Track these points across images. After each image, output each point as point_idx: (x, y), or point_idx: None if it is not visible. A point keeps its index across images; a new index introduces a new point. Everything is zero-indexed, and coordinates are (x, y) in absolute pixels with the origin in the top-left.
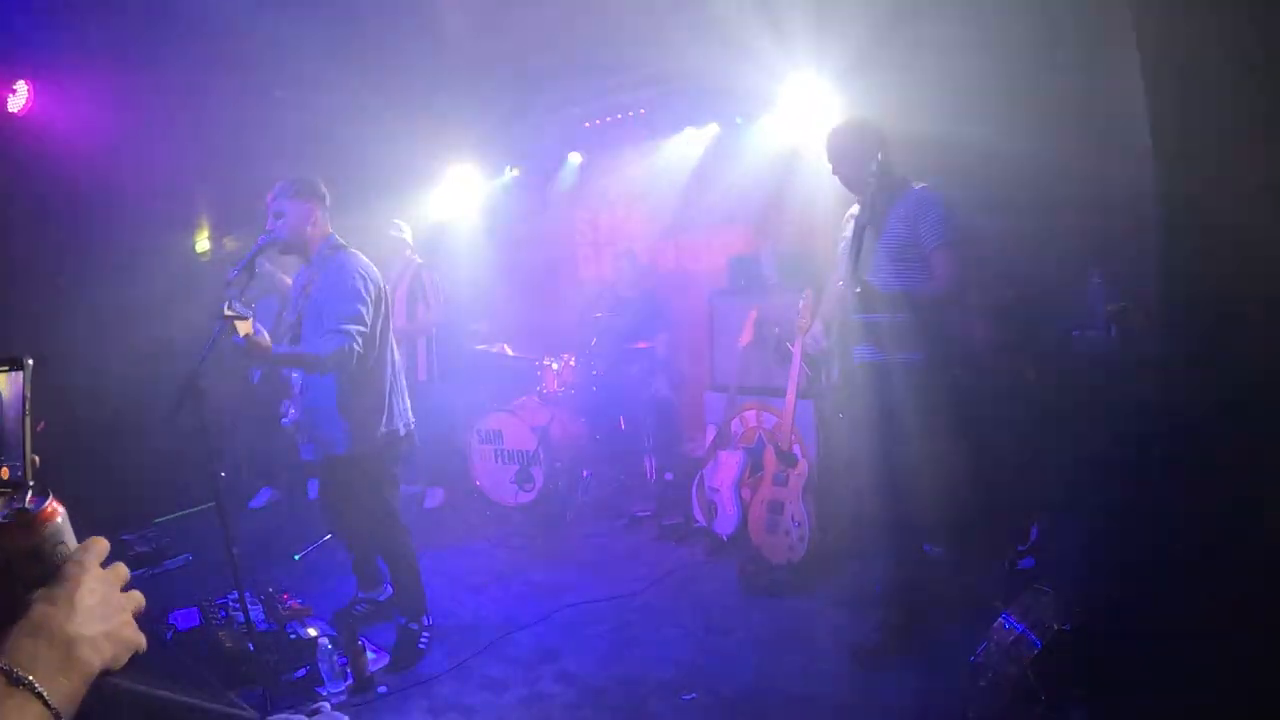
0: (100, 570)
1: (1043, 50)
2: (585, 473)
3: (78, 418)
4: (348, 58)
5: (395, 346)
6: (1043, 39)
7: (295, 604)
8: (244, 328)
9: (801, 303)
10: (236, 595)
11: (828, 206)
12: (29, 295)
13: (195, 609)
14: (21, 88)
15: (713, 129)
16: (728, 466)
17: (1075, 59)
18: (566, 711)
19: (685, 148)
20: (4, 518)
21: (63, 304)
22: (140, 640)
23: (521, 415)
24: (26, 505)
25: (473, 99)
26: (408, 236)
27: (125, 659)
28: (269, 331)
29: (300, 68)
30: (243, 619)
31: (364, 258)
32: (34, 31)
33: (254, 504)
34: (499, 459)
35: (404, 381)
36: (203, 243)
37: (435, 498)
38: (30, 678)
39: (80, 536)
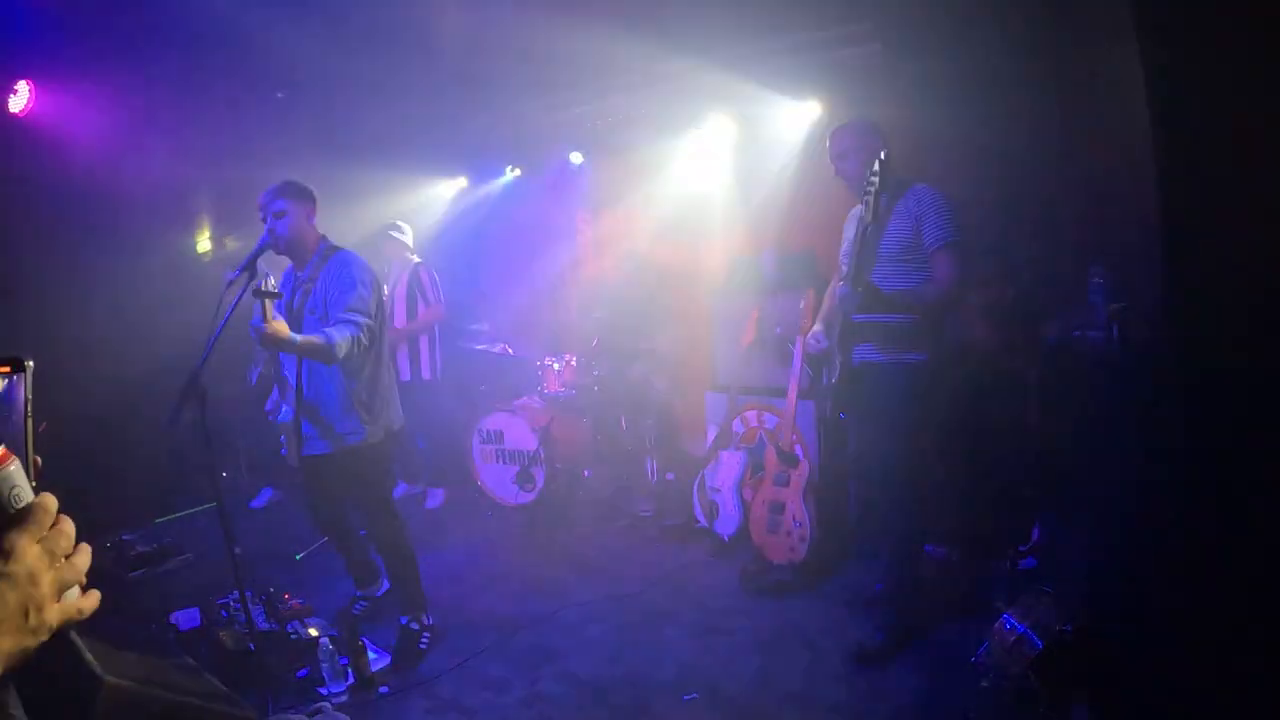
0: (35, 545)
1: (1043, 49)
2: (586, 473)
3: (78, 417)
4: (348, 58)
5: (389, 347)
6: (1043, 38)
7: (296, 604)
8: (270, 308)
9: (803, 303)
10: (238, 595)
11: (830, 206)
12: (29, 295)
13: (196, 609)
14: (23, 88)
15: (714, 129)
16: (729, 467)
17: (1076, 57)
18: (567, 712)
19: (687, 147)
20: None
21: (63, 304)
22: (75, 608)
23: (522, 415)
24: None
25: (474, 98)
26: (408, 238)
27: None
28: None
29: (301, 68)
30: (244, 619)
31: (362, 257)
32: (35, 32)
33: (255, 504)
34: (500, 459)
35: (396, 380)
36: (203, 243)
37: (436, 498)
38: None
39: (81, 536)
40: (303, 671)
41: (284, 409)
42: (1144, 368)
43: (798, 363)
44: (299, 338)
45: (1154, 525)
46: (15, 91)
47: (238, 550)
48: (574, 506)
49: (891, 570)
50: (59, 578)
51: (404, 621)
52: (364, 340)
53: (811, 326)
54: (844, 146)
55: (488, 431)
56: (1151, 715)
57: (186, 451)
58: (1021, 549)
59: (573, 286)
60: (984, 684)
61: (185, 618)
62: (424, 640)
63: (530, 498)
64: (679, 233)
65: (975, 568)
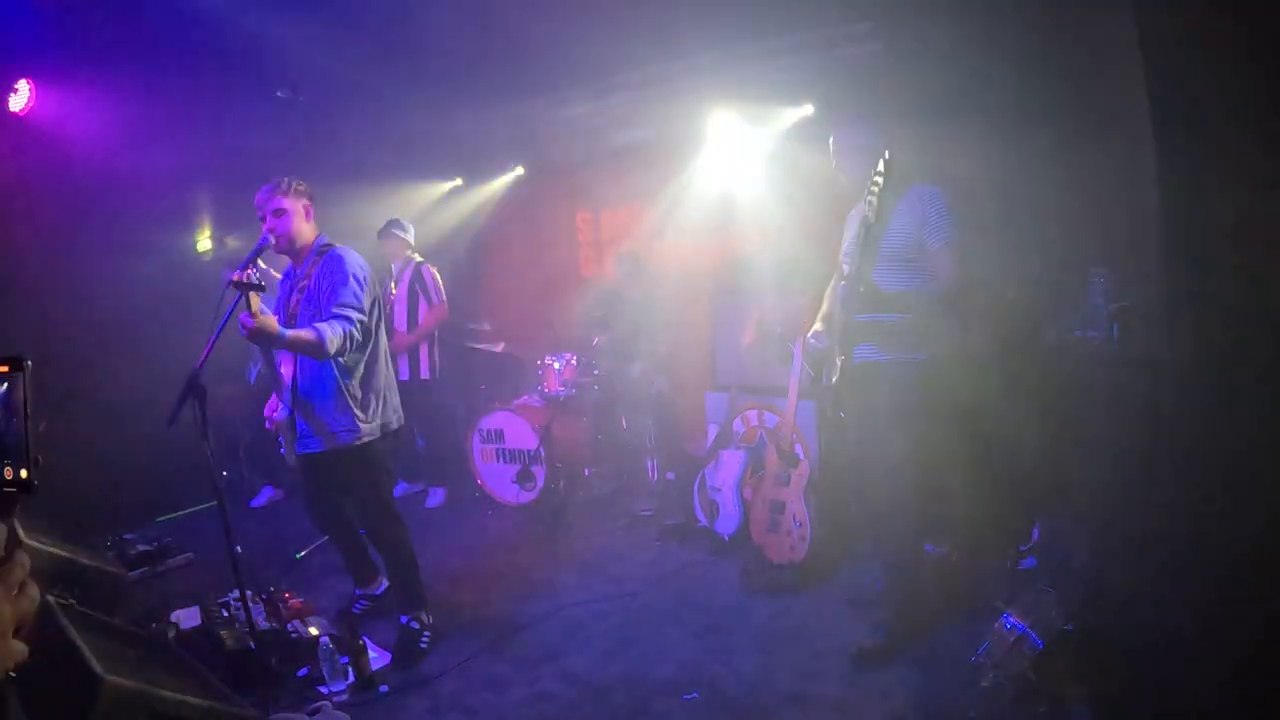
0: None
1: (1044, 48)
2: (587, 472)
3: (79, 417)
4: (348, 56)
5: (388, 344)
6: (1043, 37)
7: (297, 603)
8: (255, 302)
9: (803, 302)
10: (238, 594)
11: (830, 206)
12: (30, 294)
13: (197, 608)
14: (23, 87)
15: (714, 128)
16: (729, 466)
17: (1077, 56)
18: (568, 711)
19: (687, 146)
20: None
21: (64, 303)
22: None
23: (523, 415)
24: None
25: (474, 98)
26: (409, 236)
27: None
28: None
29: (301, 66)
30: (244, 618)
31: (358, 255)
32: (36, 31)
33: (255, 503)
34: (500, 458)
35: (394, 378)
36: (204, 242)
37: (437, 497)
38: None
39: (81, 535)
40: (303, 670)
41: (280, 407)
42: (1144, 368)
43: (798, 362)
44: (287, 332)
45: (1154, 525)
46: (16, 91)
47: (238, 549)
48: (574, 506)
49: (892, 570)
50: (16, 610)
51: (404, 621)
52: (357, 335)
53: (812, 326)
54: (846, 145)
55: (488, 431)
56: (1151, 715)
57: (187, 450)
58: (1022, 548)
59: (574, 286)
60: (984, 684)
61: (186, 617)
62: (424, 639)
63: (530, 497)
64: (679, 232)
65: (975, 568)
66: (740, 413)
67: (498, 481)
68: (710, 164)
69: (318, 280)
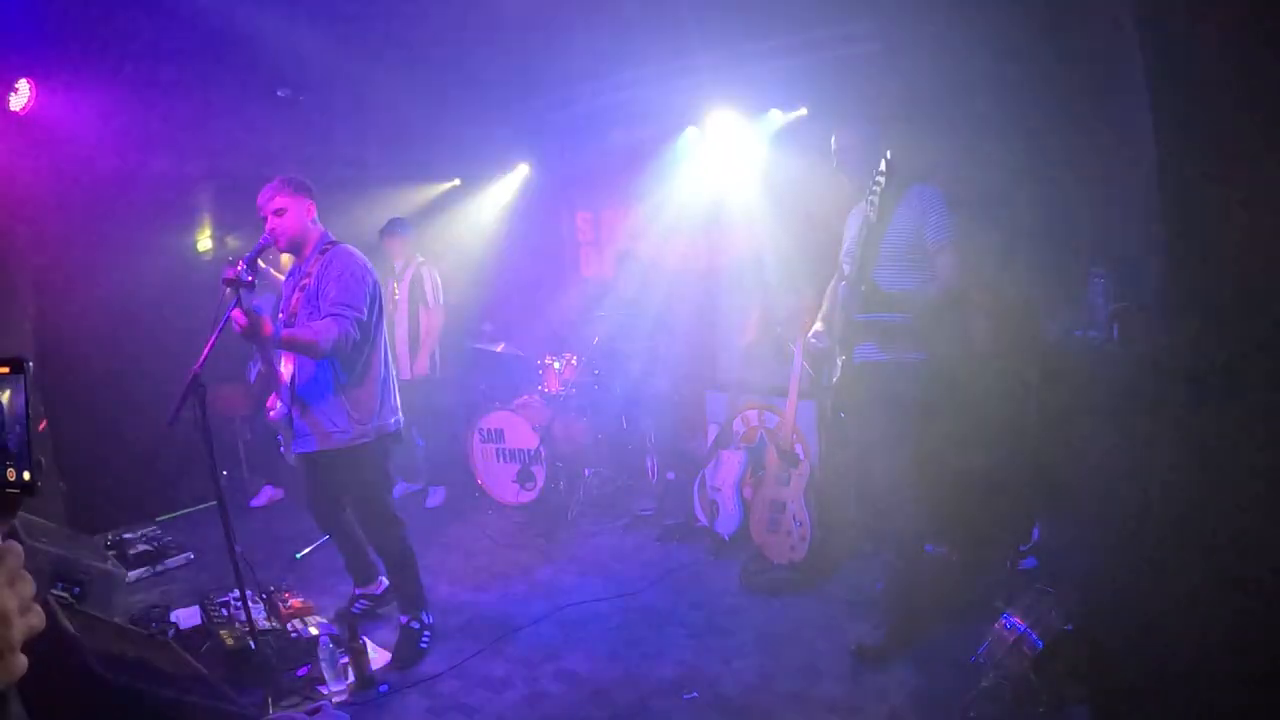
0: (7, 589)
1: (1044, 47)
2: (587, 472)
3: (79, 416)
4: (349, 56)
5: (389, 343)
6: (1043, 37)
7: (297, 602)
8: (247, 299)
9: (803, 302)
10: (238, 594)
11: (831, 205)
12: (30, 294)
13: (197, 607)
14: (23, 86)
15: (714, 127)
16: (729, 466)
17: (1077, 55)
18: (567, 710)
19: (687, 146)
20: None
21: (64, 303)
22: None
23: (523, 414)
24: None
25: (474, 98)
26: (411, 236)
27: None
28: None
29: (302, 65)
30: (244, 617)
31: (359, 253)
32: (36, 30)
33: (255, 502)
34: (500, 458)
35: (395, 379)
36: (204, 241)
37: (437, 497)
38: None
39: (82, 535)
40: (303, 670)
41: (279, 405)
42: (1144, 368)
43: (798, 362)
44: (282, 331)
45: (1154, 525)
46: (16, 90)
47: (238, 549)
48: (574, 505)
49: (892, 570)
50: (28, 624)
51: (404, 620)
52: (354, 335)
53: (812, 325)
54: (847, 144)
55: (488, 430)
56: (1151, 714)
57: (187, 450)
58: (1022, 548)
59: (574, 285)
60: (984, 684)
61: (186, 616)
62: (424, 639)
63: (531, 497)
64: (679, 232)
65: (975, 568)
66: (740, 412)
67: (498, 481)
68: (710, 164)
69: (318, 278)
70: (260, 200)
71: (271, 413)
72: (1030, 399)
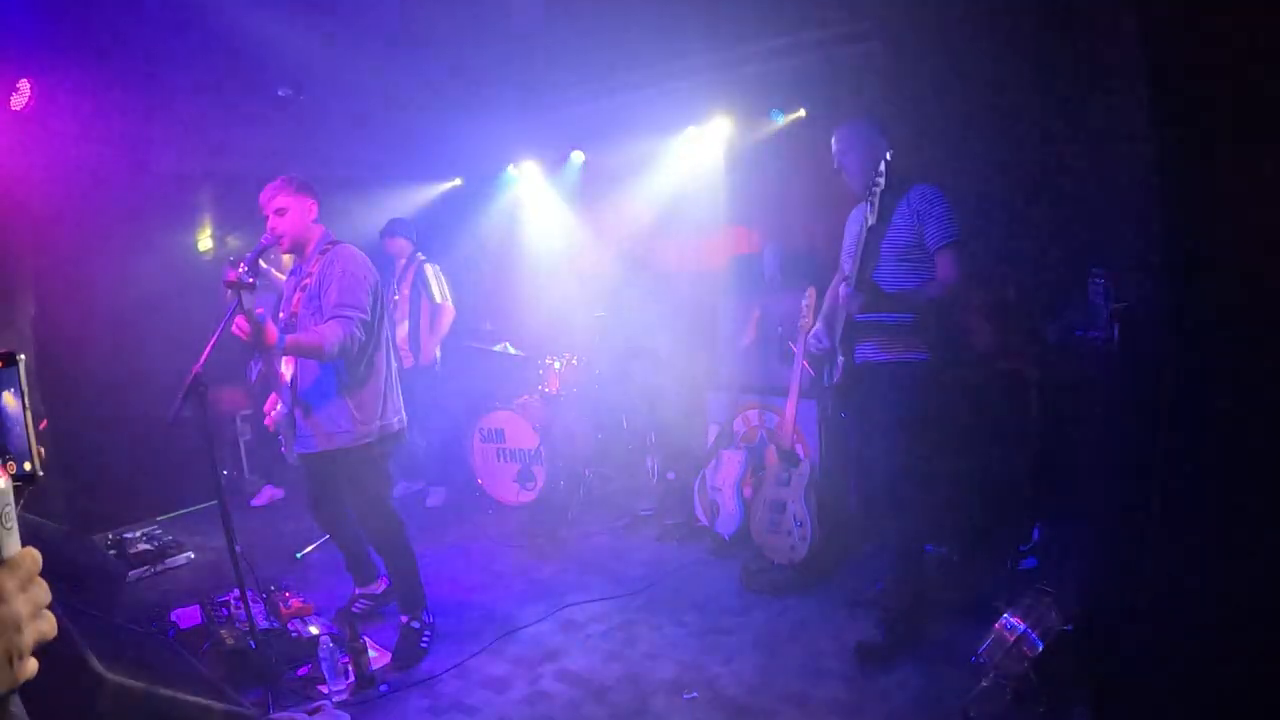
0: (22, 594)
1: (1043, 48)
2: (587, 471)
3: (80, 416)
4: (350, 55)
5: (392, 342)
6: (1043, 37)
7: (297, 602)
8: (249, 300)
9: (804, 302)
10: (238, 593)
11: (831, 205)
12: (30, 294)
13: (197, 607)
14: (24, 85)
15: (715, 128)
16: (730, 466)
17: (1077, 57)
18: (568, 710)
19: (688, 146)
20: None
21: (64, 302)
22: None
23: (523, 414)
24: None
25: (474, 98)
26: (412, 235)
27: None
28: None
29: (303, 65)
30: (244, 617)
31: (360, 253)
32: (36, 29)
33: (256, 502)
34: (501, 458)
35: (397, 378)
36: (205, 241)
37: (437, 496)
38: None
39: (81, 534)
40: (303, 669)
41: (280, 405)
42: (1144, 368)
43: (799, 362)
44: (287, 337)
45: (1154, 525)
46: (17, 89)
47: (238, 548)
48: (574, 505)
49: (892, 570)
50: (39, 630)
51: (404, 620)
52: (359, 336)
53: (813, 326)
54: (847, 144)
55: (489, 430)
56: (1151, 715)
57: (187, 449)
58: (1022, 549)
59: (575, 286)
60: (984, 683)
61: (186, 615)
62: (425, 639)
63: (531, 496)
64: (679, 232)
65: (975, 568)
66: (741, 412)
67: (498, 481)
68: (710, 164)
69: (319, 278)
70: (262, 199)
71: (272, 413)
72: (1031, 399)
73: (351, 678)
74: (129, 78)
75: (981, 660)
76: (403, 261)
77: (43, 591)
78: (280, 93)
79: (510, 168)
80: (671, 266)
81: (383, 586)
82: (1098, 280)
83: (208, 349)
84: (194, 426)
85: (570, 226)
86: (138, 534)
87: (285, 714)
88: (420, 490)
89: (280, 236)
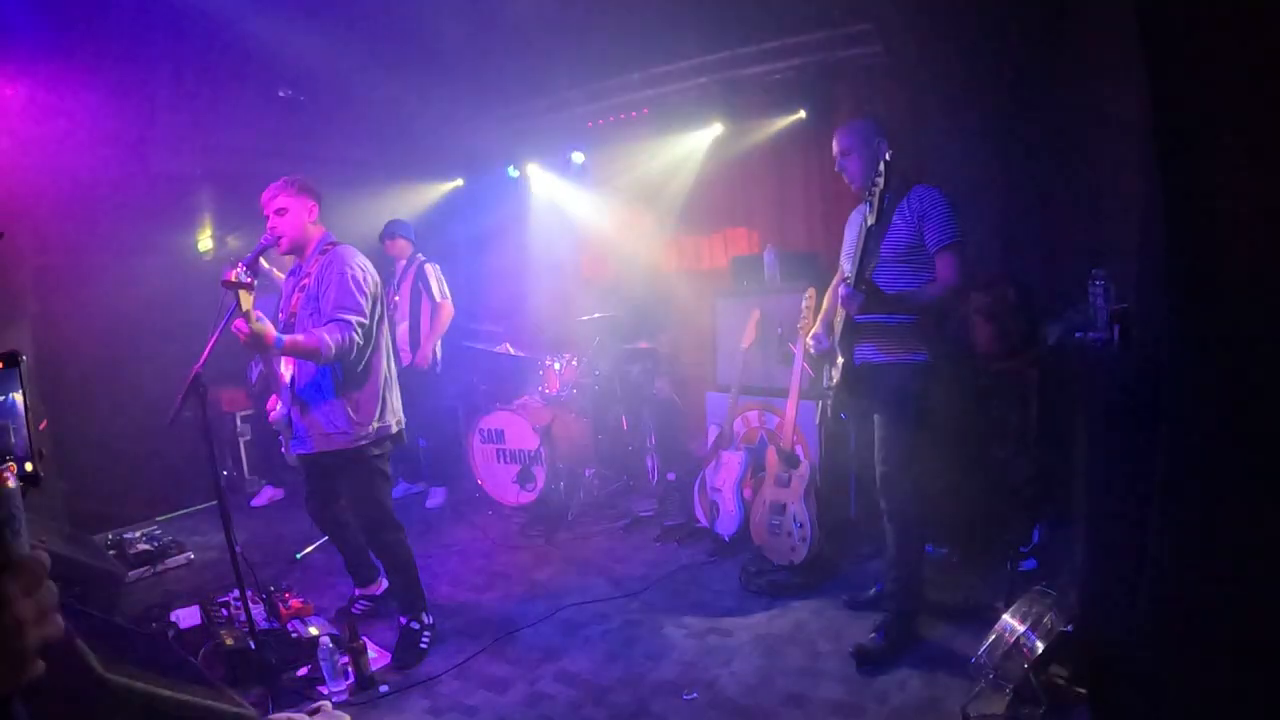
0: (27, 598)
1: (1043, 49)
2: (587, 472)
3: (79, 416)
4: (351, 56)
5: (391, 344)
6: (1043, 37)
7: (297, 602)
8: (247, 301)
9: (804, 303)
10: (238, 593)
11: (831, 206)
12: (31, 295)
13: (197, 607)
14: (23, 85)
15: (715, 129)
16: (730, 467)
17: (1077, 57)
18: (568, 711)
19: (688, 147)
20: None
21: (64, 302)
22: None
23: (523, 415)
24: None
25: (475, 99)
26: (411, 237)
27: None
28: None
29: (304, 65)
30: (244, 618)
31: (360, 254)
32: (35, 29)
33: (256, 502)
34: (501, 459)
35: (396, 379)
36: (205, 241)
37: (437, 497)
38: None
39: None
40: (303, 670)
41: (280, 405)
42: (1145, 369)
43: (799, 363)
44: (284, 339)
45: (1154, 527)
46: (16, 89)
47: (238, 548)
48: (574, 506)
49: (892, 570)
50: (43, 633)
51: (404, 621)
52: (358, 339)
53: (813, 327)
54: (848, 145)
55: (489, 431)
56: (1151, 715)
57: (187, 449)
58: (1022, 550)
59: (575, 286)
60: (984, 684)
61: (186, 616)
62: (424, 639)
63: (531, 497)
64: (679, 232)
65: (975, 568)
66: (741, 413)
67: (498, 482)
68: (710, 164)
69: (318, 279)
70: (263, 200)
71: (272, 413)
72: (1031, 400)
73: (351, 678)
74: (130, 78)
75: (981, 661)
76: (403, 262)
77: (49, 595)
78: (281, 93)
79: (511, 168)
80: (671, 266)
81: (383, 587)
82: (1098, 281)
83: (208, 349)
84: (194, 426)
85: (570, 227)
86: (138, 534)
87: (285, 714)
88: (420, 491)
89: (280, 236)
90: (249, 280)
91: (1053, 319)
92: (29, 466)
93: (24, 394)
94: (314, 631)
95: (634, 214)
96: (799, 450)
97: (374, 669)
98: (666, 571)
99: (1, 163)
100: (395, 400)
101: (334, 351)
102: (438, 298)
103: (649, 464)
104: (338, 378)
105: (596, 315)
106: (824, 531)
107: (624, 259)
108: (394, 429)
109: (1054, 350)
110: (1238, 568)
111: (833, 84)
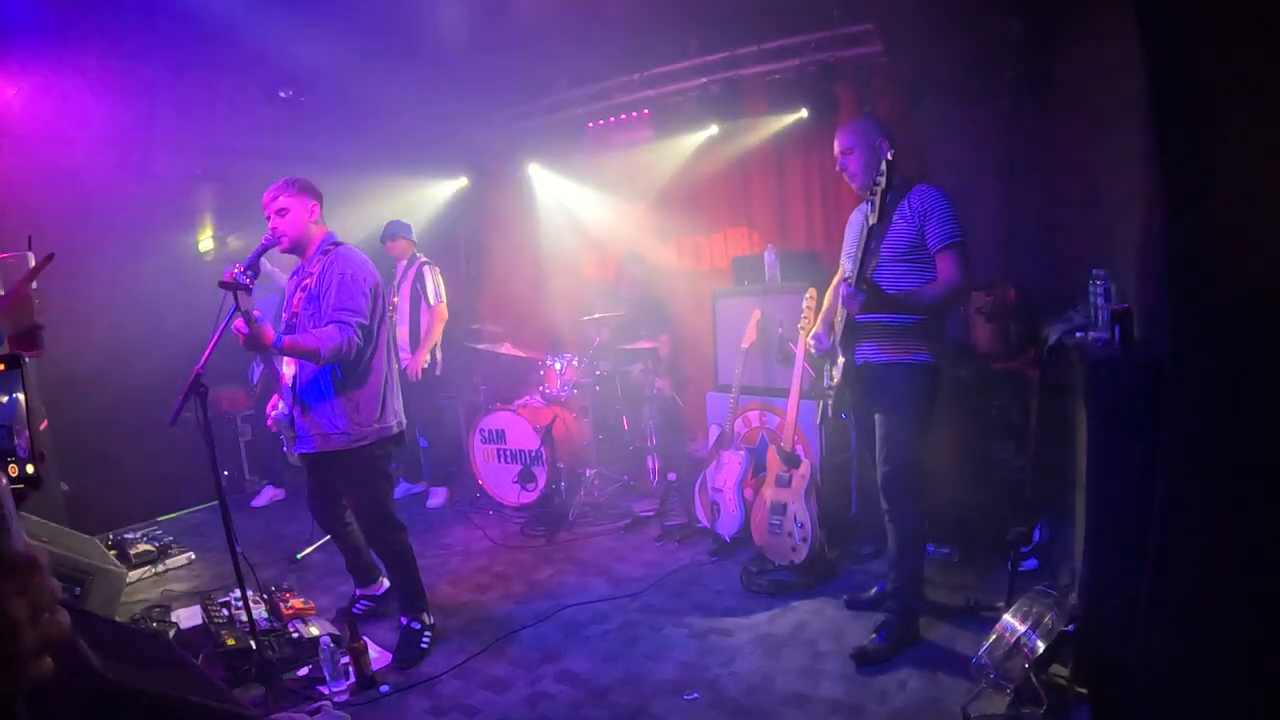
0: (20, 598)
1: (1044, 49)
2: (588, 472)
3: (81, 416)
4: (353, 56)
5: (392, 344)
6: (1044, 37)
7: (298, 602)
8: (245, 301)
9: (804, 303)
10: (239, 593)
11: (832, 206)
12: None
13: (198, 607)
14: (22, 85)
15: (715, 129)
16: (730, 467)
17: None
18: (568, 711)
19: (688, 147)
20: None
21: (65, 303)
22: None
23: (524, 415)
24: None
25: (477, 100)
26: (413, 237)
27: None
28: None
29: (305, 65)
30: (245, 617)
31: (362, 254)
32: (35, 28)
33: (257, 502)
34: (502, 459)
35: (397, 380)
36: (206, 241)
37: (438, 497)
38: None
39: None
40: (304, 670)
41: (281, 405)
42: (1145, 369)
43: (799, 363)
44: (284, 339)
45: (1154, 526)
46: (16, 88)
47: (239, 548)
48: (575, 506)
49: (893, 570)
50: (42, 633)
51: (405, 621)
52: (358, 340)
53: (813, 327)
54: (849, 143)
55: (489, 431)
56: (1150, 715)
57: (188, 450)
58: (1023, 550)
59: (576, 286)
60: (984, 684)
61: (186, 616)
62: (425, 639)
63: (532, 497)
64: (680, 232)
65: (975, 568)
66: (741, 413)
67: (499, 482)
68: (710, 164)
69: (320, 279)
70: (264, 200)
71: (273, 413)
72: (1031, 400)
73: (352, 678)
74: (130, 78)
75: (982, 661)
76: (403, 263)
77: (46, 593)
78: (282, 93)
79: (513, 169)
80: (672, 266)
81: (384, 588)
82: (1098, 281)
83: (208, 349)
84: (194, 426)
85: (572, 227)
86: (138, 534)
87: (285, 714)
88: (421, 491)
89: (281, 237)
90: (247, 281)
91: (1053, 319)
92: (30, 468)
93: (26, 395)
94: (315, 631)
95: (634, 214)
96: (800, 450)
97: (375, 669)
98: (667, 571)
99: (1, 163)
100: (397, 401)
101: (333, 352)
102: (431, 301)
103: (650, 464)
104: (338, 378)
105: (597, 315)
106: (825, 531)
107: (624, 259)
108: (395, 430)
109: (1054, 350)
110: (1238, 567)
111: (833, 84)
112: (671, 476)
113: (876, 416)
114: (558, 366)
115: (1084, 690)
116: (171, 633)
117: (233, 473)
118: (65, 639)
